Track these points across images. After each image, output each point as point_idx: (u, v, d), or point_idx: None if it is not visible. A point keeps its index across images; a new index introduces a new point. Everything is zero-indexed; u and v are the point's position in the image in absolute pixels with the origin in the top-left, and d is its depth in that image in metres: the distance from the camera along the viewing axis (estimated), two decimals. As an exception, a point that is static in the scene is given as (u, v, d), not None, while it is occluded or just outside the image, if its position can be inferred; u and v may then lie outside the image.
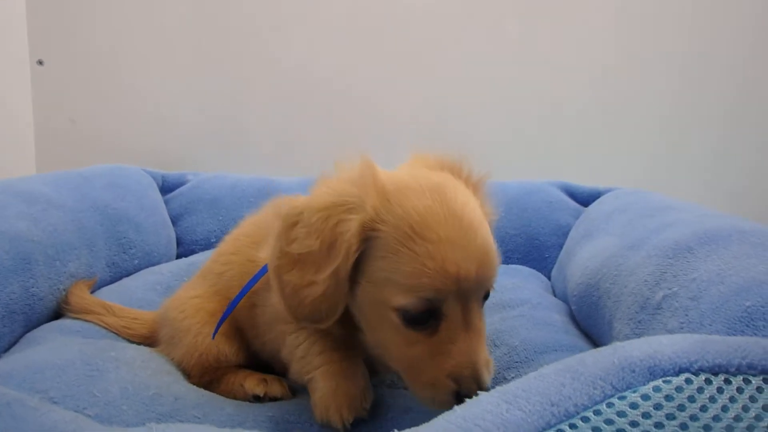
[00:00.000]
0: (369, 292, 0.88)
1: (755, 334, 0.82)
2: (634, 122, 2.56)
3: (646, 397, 0.59)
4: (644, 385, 0.60)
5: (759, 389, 0.60)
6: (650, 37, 2.51)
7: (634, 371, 0.61)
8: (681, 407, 0.58)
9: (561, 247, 1.95)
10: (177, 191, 2.24)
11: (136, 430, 0.65)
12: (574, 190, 2.14)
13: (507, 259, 2.01)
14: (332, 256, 0.86)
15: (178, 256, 2.07)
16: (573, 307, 1.51)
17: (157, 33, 2.65)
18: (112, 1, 2.64)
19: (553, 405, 0.61)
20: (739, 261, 1.00)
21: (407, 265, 0.83)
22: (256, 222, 1.27)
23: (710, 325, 0.90)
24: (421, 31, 2.57)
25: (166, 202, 2.18)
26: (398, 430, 0.68)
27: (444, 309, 0.85)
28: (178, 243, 2.13)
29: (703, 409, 0.58)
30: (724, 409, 0.58)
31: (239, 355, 1.18)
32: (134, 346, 1.26)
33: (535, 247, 2.04)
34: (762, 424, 0.57)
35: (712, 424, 0.57)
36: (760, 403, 0.59)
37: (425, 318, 0.86)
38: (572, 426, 0.59)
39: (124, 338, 1.34)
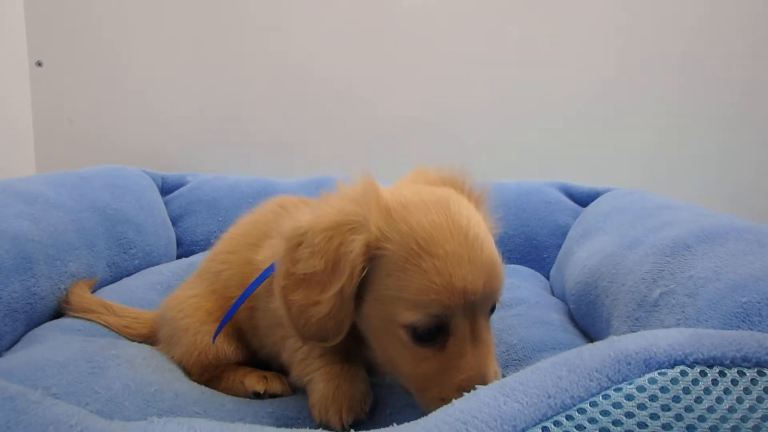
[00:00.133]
0: (376, 309, 0.88)
1: (751, 330, 0.82)
2: (634, 123, 2.57)
3: (641, 389, 0.59)
4: (640, 377, 0.60)
5: (753, 381, 0.60)
6: (650, 38, 2.52)
7: (629, 363, 0.62)
8: (676, 399, 0.59)
9: (559, 247, 1.95)
10: (177, 192, 2.24)
11: (137, 423, 0.65)
12: (573, 191, 2.15)
13: (506, 259, 2.01)
14: (337, 276, 0.86)
15: (178, 257, 2.08)
16: (571, 306, 1.51)
17: (156, 34, 2.66)
18: (111, 2, 2.65)
19: (549, 397, 0.61)
20: (735, 258, 1.01)
21: (414, 282, 0.83)
22: (252, 221, 1.27)
23: (707, 321, 0.90)
24: (422, 31, 2.58)
25: (166, 203, 2.18)
26: (397, 425, 0.68)
27: (452, 324, 0.85)
28: (178, 243, 2.13)
29: (698, 400, 0.59)
30: (719, 400, 0.59)
31: (238, 354, 1.18)
32: (135, 344, 1.27)
33: (533, 247, 2.04)
34: (756, 415, 0.58)
35: (707, 415, 0.58)
36: (755, 395, 0.59)
37: (434, 334, 0.85)
38: (569, 417, 0.59)
39: (124, 337, 1.34)
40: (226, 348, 1.16)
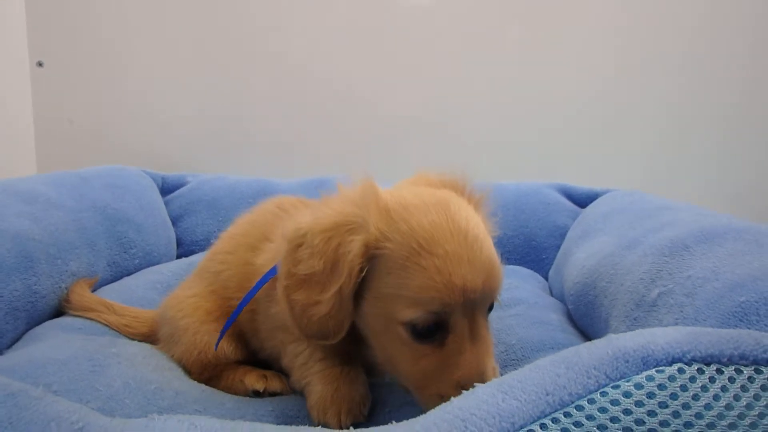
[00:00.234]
0: (376, 308, 0.89)
1: (749, 329, 0.83)
2: (634, 123, 2.57)
3: (639, 386, 0.60)
4: (637, 374, 0.61)
5: (750, 379, 0.61)
6: (650, 38, 2.52)
7: (627, 361, 0.62)
8: (673, 396, 0.59)
9: (558, 248, 1.95)
10: (177, 192, 2.25)
11: (138, 421, 0.66)
12: (572, 192, 2.15)
13: (504, 260, 2.01)
14: (335, 276, 0.87)
15: (178, 257, 2.08)
16: (570, 306, 1.52)
17: (157, 34, 2.66)
18: (111, 2, 2.65)
19: (548, 394, 0.62)
20: (733, 258, 1.01)
21: (415, 280, 0.84)
22: (251, 221, 1.28)
23: (705, 321, 0.91)
24: (422, 31, 2.58)
25: (166, 203, 2.19)
26: (396, 423, 0.68)
27: (451, 322, 0.86)
28: (178, 243, 2.14)
29: (695, 398, 0.59)
30: (716, 398, 0.59)
31: (238, 353, 1.18)
32: (135, 343, 1.27)
33: (532, 248, 2.05)
34: (753, 412, 0.59)
35: (704, 412, 0.58)
36: (751, 393, 0.60)
37: (433, 331, 0.86)
38: (567, 414, 0.60)
39: (124, 336, 1.35)
40: (225, 347, 1.17)
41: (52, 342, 1.18)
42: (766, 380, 0.60)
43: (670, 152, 2.59)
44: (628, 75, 2.55)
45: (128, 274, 1.76)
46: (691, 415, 0.58)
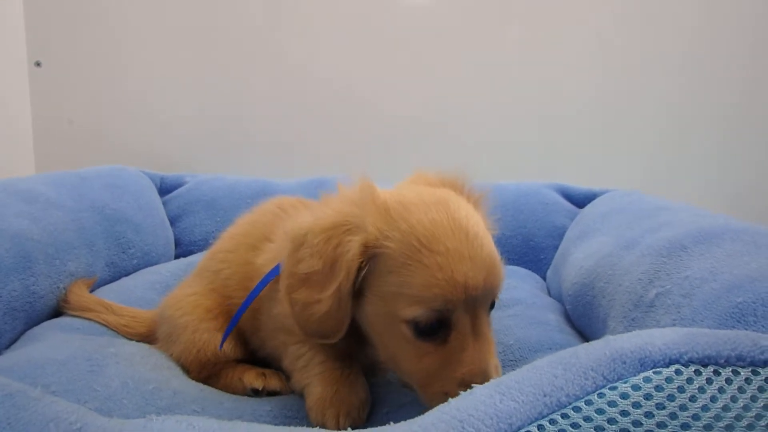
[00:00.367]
0: (378, 306, 0.90)
1: (746, 329, 0.83)
2: (634, 123, 2.57)
3: (636, 388, 0.60)
4: (635, 375, 0.61)
5: (747, 380, 0.61)
6: (649, 38, 2.52)
7: (625, 362, 0.62)
8: (670, 397, 0.59)
9: (556, 248, 1.95)
10: (175, 192, 2.24)
11: (136, 421, 0.66)
12: (570, 192, 2.15)
13: (503, 260, 2.02)
14: (334, 276, 0.88)
15: (177, 257, 2.08)
16: (568, 307, 1.52)
17: (155, 34, 2.66)
18: (110, 2, 2.65)
19: (545, 395, 0.62)
20: (731, 259, 1.01)
21: (417, 278, 0.84)
22: (251, 221, 1.28)
23: (702, 321, 0.91)
24: (421, 31, 2.58)
25: (165, 203, 2.19)
26: (394, 423, 0.68)
27: (453, 319, 0.86)
28: (177, 244, 2.14)
29: (693, 399, 0.59)
30: (713, 399, 0.59)
31: (237, 351, 1.19)
32: (133, 342, 1.27)
33: (530, 248, 2.05)
34: (749, 414, 0.59)
35: (701, 414, 0.58)
36: (749, 394, 0.60)
37: (435, 329, 0.87)
38: (564, 416, 0.60)
39: (123, 336, 1.35)
40: (224, 345, 1.17)
41: (51, 342, 1.19)
42: (763, 381, 0.60)
43: (670, 152, 2.60)
44: (628, 75, 2.56)
45: (126, 275, 1.76)
46: (688, 417, 0.58)
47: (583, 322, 1.42)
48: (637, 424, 0.58)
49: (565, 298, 1.54)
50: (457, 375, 0.85)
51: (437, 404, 0.67)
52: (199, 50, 2.66)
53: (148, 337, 1.32)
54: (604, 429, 0.58)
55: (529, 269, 2.01)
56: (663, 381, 0.60)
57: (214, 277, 1.25)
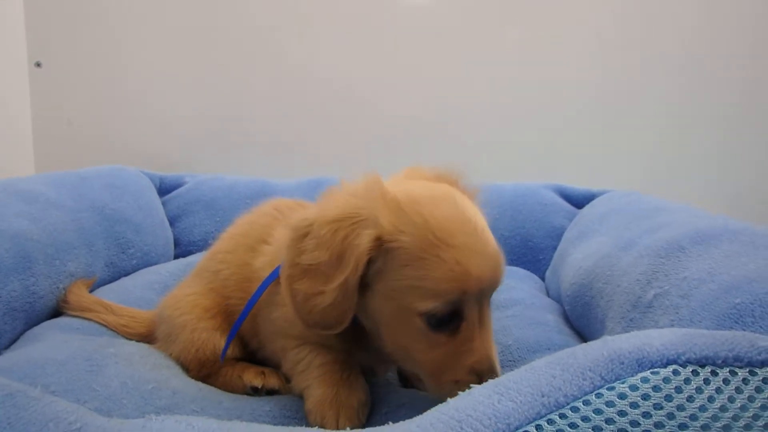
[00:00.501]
0: (389, 300, 0.90)
1: (744, 330, 0.83)
2: (633, 123, 2.58)
3: (634, 388, 0.60)
4: (632, 376, 0.61)
5: (745, 381, 0.61)
6: (649, 38, 2.53)
7: (622, 363, 0.63)
8: (668, 398, 0.59)
9: (555, 249, 1.96)
10: (175, 192, 2.25)
11: (135, 421, 0.66)
12: (568, 193, 2.15)
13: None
14: (341, 268, 0.88)
15: (176, 257, 2.09)
16: (566, 307, 1.52)
17: (155, 35, 2.66)
18: (110, 3, 2.65)
19: (543, 396, 0.62)
20: (729, 259, 1.01)
21: (435, 271, 0.85)
22: (251, 222, 1.28)
23: (700, 322, 0.91)
24: (422, 31, 2.59)
25: (164, 204, 2.19)
26: (392, 423, 0.69)
27: (465, 310, 0.88)
28: (176, 244, 2.14)
29: (690, 399, 0.59)
30: (710, 399, 0.59)
31: (236, 350, 1.19)
32: (133, 342, 1.27)
33: (529, 248, 2.05)
34: (747, 414, 0.59)
35: (698, 414, 0.59)
36: (746, 395, 0.60)
37: (447, 321, 0.89)
38: (562, 416, 0.60)
39: (122, 336, 1.35)
40: (222, 344, 1.17)
41: (50, 342, 1.19)
42: (760, 382, 0.61)
43: (670, 152, 2.60)
44: (628, 75, 2.56)
45: (126, 275, 1.76)
46: (685, 417, 0.59)
47: (581, 322, 1.42)
48: (634, 424, 0.58)
49: (564, 299, 1.55)
50: (468, 363, 0.88)
51: (448, 393, 0.70)
52: (198, 50, 2.66)
53: (147, 338, 1.32)
54: (602, 429, 0.59)
55: (528, 270, 2.01)
56: (660, 381, 0.60)
57: (213, 277, 1.25)
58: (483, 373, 0.87)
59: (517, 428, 0.60)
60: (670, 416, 0.59)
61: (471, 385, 0.77)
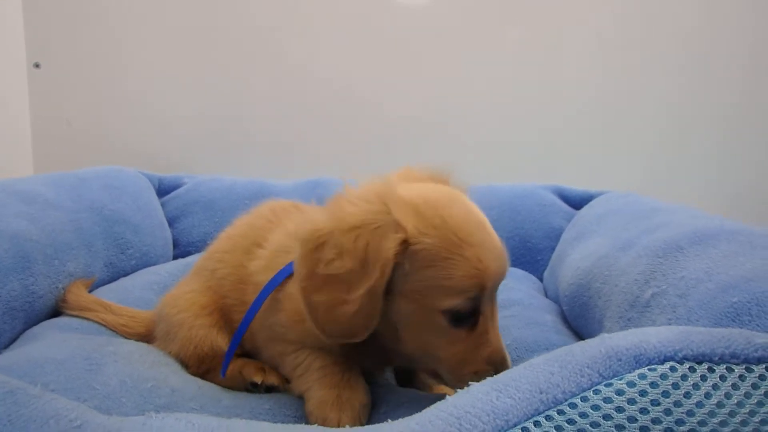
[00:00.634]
0: (412, 300, 0.91)
1: (740, 328, 0.84)
2: (633, 124, 2.58)
3: (631, 384, 0.61)
4: (630, 372, 0.62)
5: (741, 377, 0.61)
6: (648, 39, 2.53)
7: (620, 360, 0.63)
8: (665, 394, 0.60)
9: (553, 249, 1.96)
10: (173, 193, 2.25)
11: (135, 418, 0.66)
12: (567, 194, 2.16)
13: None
14: (367, 275, 0.88)
15: (175, 258, 2.09)
16: (564, 308, 1.53)
17: (154, 35, 2.67)
18: (109, 3, 2.65)
19: (541, 392, 0.63)
20: (727, 259, 1.02)
21: (459, 270, 0.88)
22: (249, 223, 1.28)
23: (697, 321, 0.91)
24: (422, 31, 2.59)
25: (163, 204, 2.19)
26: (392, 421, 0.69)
27: (482, 305, 0.92)
28: (175, 244, 2.14)
29: (687, 395, 0.60)
30: (707, 396, 0.60)
31: None
32: (132, 341, 1.27)
33: (527, 249, 2.06)
34: (743, 410, 0.59)
35: (695, 410, 0.59)
36: (742, 391, 0.60)
37: (467, 316, 0.91)
38: (560, 412, 0.61)
39: (121, 336, 1.35)
40: (219, 340, 1.17)
41: (50, 341, 1.19)
42: (756, 379, 0.61)
43: (670, 153, 2.60)
44: (628, 76, 2.56)
45: (125, 275, 1.77)
46: (682, 413, 0.59)
47: (579, 322, 1.43)
48: (632, 420, 0.59)
49: (562, 299, 1.55)
50: (485, 355, 0.92)
51: (466, 384, 0.71)
52: (198, 51, 2.67)
53: (146, 337, 1.32)
54: (599, 425, 0.59)
55: (526, 270, 2.01)
56: (658, 378, 0.61)
57: (210, 276, 1.25)
58: (497, 363, 0.92)
59: (515, 424, 0.61)
60: (667, 412, 0.59)
61: (490, 375, 0.80)
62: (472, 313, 0.92)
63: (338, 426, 0.90)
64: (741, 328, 0.84)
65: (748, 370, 0.62)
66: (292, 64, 2.64)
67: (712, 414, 0.59)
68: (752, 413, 0.59)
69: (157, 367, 1.10)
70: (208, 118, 2.70)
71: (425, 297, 0.90)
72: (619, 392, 0.60)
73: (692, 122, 2.58)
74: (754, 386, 0.61)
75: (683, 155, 2.59)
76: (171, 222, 2.16)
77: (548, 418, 0.61)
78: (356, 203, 0.92)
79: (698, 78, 2.55)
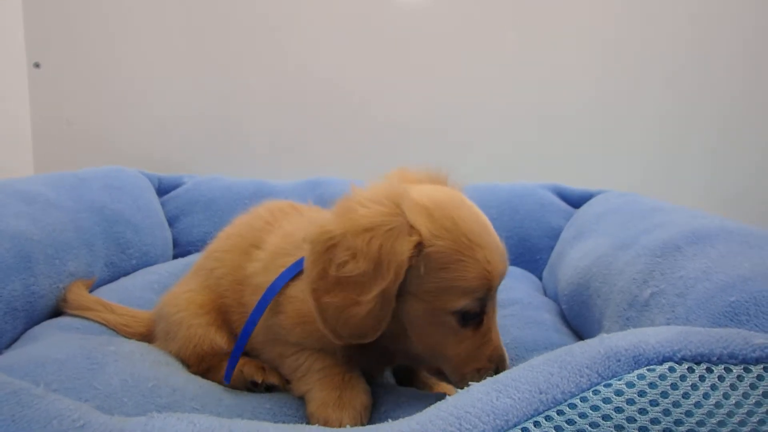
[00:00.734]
0: (422, 302, 0.92)
1: (739, 328, 0.84)
2: (632, 124, 2.58)
3: (630, 385, 0.61)
4: (629, 373, 0.62)
5: (739, 378, 0.62)
6: (647, 40, 2.53)
7: (619, 360, 0.64)
8: (664, 394, 0.60)
9: (552, 248, 1.96)
10: (173, 193, 2.25)
11: (137, 419, 0.66)
12: (566, 193, 2.16)
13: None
14: (380, 277, 0.88)
15: (175, 257, 2.09)
16: (563, 307, 1.53)
17: (154, 35, 2.67)
18: (108, 3, 2.65)
19: (541, 393, 0.63)
20: (725, 259, 1.02)
21: (469, 271, 0.90)
22: (248, 223, 1.28)
23: (696, 321, 0.92)
24: (420, 32, 2.59)
25: (163, 204, 2.19)
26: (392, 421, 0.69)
27: (488, 304, 0.95)
28: (175, 244, 2.14)
29: (685, 396, 0.60)
30: (706, 396, 0.60)
31: (231, 343, 1.18)
32: (133, 341, 1.27)
33: (527, 248, 2.06)
34: (741, 410, 0.60)
35: (694, 410, 0.60)
36: (740, 391, 0.61)
37: (476, 315, 0.94)
38: (559, 412, 0.61)
39: (122, 336, 1.35)
40: (218, 339, 1.17)
41: (51, 341, 1.19)
42: (754, 379, 0.62)
43: (669, 153, 2.61)
44: (627, 77, 2.57)
45: (125, 275, 1.77)
46: (681, 413, 0.59)
47: (578, 321, 1.43)
48: (631, 420, 0.59)
49: (561, 298, 1.55)
50: (488, 353, 0.95)
51: (471, 380, 0.74)
52: (198, 51, 2.67)
53: (147, 337, 1.32)
54: (598, 425, 0.60)
55: (525, 269, 2.02)
56: (656, 378, 0.61)
57: (208, 275, 1.25)
58: (498, 360, 0.95)
59: (515, 425, 0.61)
60: (666, 412, 0.59)
61: (492, 371, 0.88)
62: (478, 313, 0.94)
63: (340, 427, 0.90)
64: (739, 327, 0.84)
65: (746, 370, 0.62)
66: (291, 64, 2.64)
67: (710, 414, 0.59)
68: (750, 413, 0.60)
69: (158, 367, 1.10)
70: (208, 118, 2.70)
71: (437, 298, 0.91)
72: (618, 393, 0.61)
73: (691, 122, 2.58)
74: (752, 386, 0.61)
75: (682, 155, 2.60)
76: (171, 221, 2.17)
77: (548, 418, 0.61)
78: (368, 205, 0.92)
79: (697, 78, 2.55)
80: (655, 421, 0.59)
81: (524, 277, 1.92)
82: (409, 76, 2.62)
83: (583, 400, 0.61)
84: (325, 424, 0.92)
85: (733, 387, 0.61)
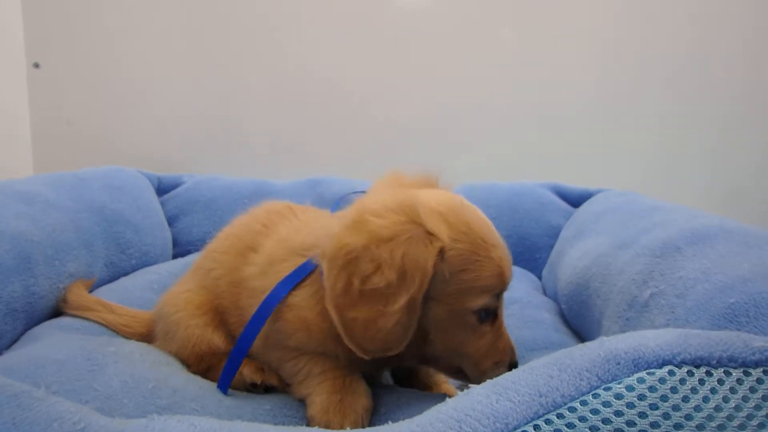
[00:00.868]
0: (443, 304, 0.94)
1: (738, 330, 0.84)
2: (632, 124, 2.58)
3: (630, 388, 0.61)
4: (629, 376, 0.62)
5: (739, 381, 0.62)
6: (647, 39, 2.53)
7: (619, 363, 0.64)
8: (664, 398, 0.60)
9: (552, 247, 1.96)
10: (173, 193, 2.25)
11: (138, 421, 0.67)
12: (565, 192, 2.16)
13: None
14: (406, 286, 0.88)
15: (175, 257, 2.09)
16: (563, 306, 1.53)
17: (153, 35, 2.67)
18: (108, 3, 2.65)
19: (541, 396, 0.63)
20: (724, 259, 1.02)
21: (487, 271, 0.93)
22: (247, 223, 1.28)
23: (695, 321, 0.92)
24: (420, 32, 2.59)
25: (163, 204, 2.19)
26: (392, 423, 0.70)
27: (501, 300, 1.00)
28: (175, 244, 2.14)
29: (685, 399, 0.60)
30: (705, 399, 0.60)
31: (228, 344, 1.18)
32: (133, 341, 1.27)
33: (526, 247, 2.06)
34: (741, 414, 0.60)
35: (694, 414, 0.60)
36: (740, 395, 0.61)
37: (493, 311, 0.98)
38: (559, 416, 0.61)
39: (122, 336, 1.35)
40: (216, 339, 1.17)
41: (51, 342, 1.19)
42: (754, 382, 0.62)
43: (668, 153, 2.61)
44: (626, 76, 2.57)
45: (125, 275, 1.77)
46: (680, 417, 0.59)
47: (578, 321, 1.43)
48: (631, 424, 0.59)
49: (561, 298, 1.55)
50: (502, 346, 0.99)
51: (491, 375, 0.76)
52: (198, 51, 2.67)
53: (147, 338, 1.32)
54: (598, 429, 0.60)
55: (525, 268, 2.02)
56: (656, 382, 0.61)
57: (206, 275, 1.25)
58: (511, 353, 1.01)
59: (515, 428, 0.61)
60: (666, 416, 0.60)
61: (507, 363, 0.95)
62: (495, 308, 0.98)
63: (341, 430, 0.90)
64: (738, 329, 0.84)
65: (746, 373, 0.62)
66: (291, 64, 2.64)
67: (710, 418, 0.59)
68: (750, 417, 0.60)
69: (158, 367, 1.10)
70: (208, 118, 2.70)
71: (457, 300, 0.93)
72: (618, 396, 0.61)
73: (691, 122, 2.58)
74: (752, 390, 0.61)
75: (682, 155, 2.60)
76: (171, 221, 2.17)
77: (548, 421, 0.61)
78: (384, 215, 0.92)
79: (697, 78, 2.55)
80: (654, 425, 0.59)
81: (524, 276, 1.92)
82: (409, 76, 2.62)
83: (583, 403, 0.61)
84: (326, 427, 0.92)
85: (732, 390, 0.61)
